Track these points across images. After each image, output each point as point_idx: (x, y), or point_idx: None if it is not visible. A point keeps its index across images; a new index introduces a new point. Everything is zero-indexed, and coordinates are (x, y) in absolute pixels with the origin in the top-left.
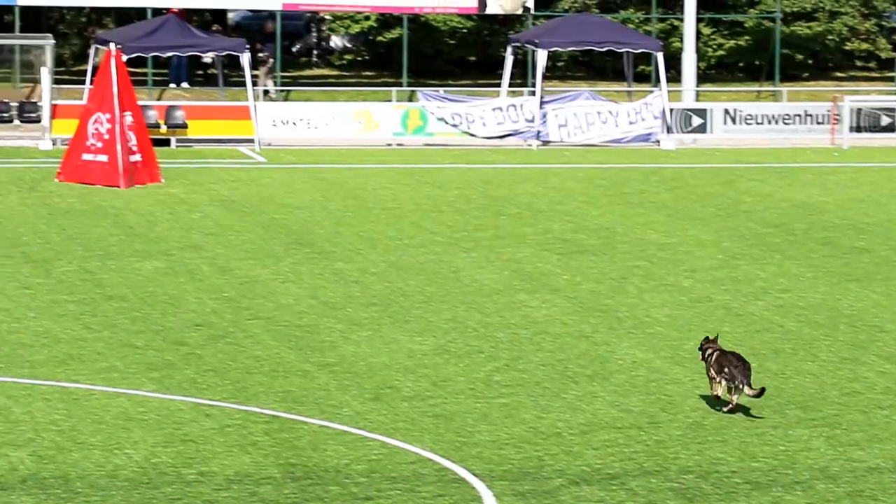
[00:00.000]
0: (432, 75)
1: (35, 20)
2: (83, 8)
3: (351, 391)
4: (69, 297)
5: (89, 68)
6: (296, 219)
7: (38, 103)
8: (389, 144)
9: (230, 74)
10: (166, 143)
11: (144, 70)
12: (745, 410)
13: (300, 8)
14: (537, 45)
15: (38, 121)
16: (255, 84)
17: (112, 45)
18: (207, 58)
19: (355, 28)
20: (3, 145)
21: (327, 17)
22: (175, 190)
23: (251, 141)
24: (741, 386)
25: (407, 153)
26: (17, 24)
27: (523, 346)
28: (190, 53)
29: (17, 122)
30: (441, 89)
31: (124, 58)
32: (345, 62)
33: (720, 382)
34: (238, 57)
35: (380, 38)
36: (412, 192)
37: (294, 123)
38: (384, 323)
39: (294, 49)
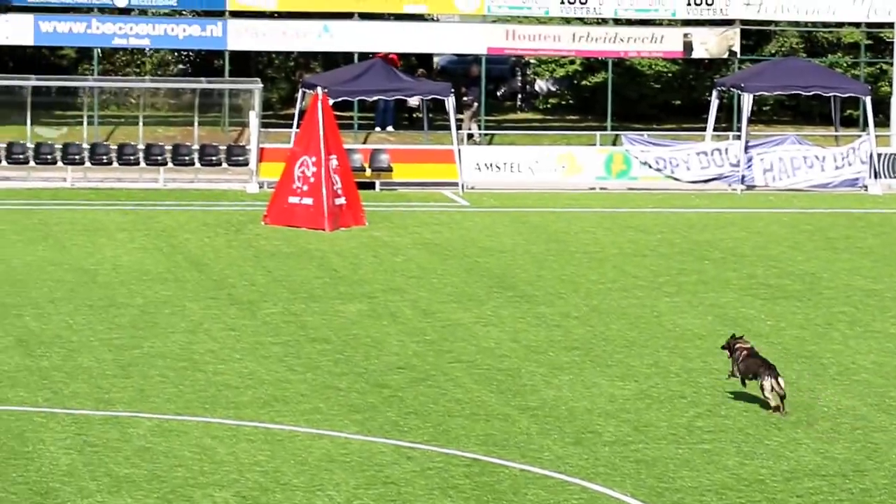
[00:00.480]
0: (636, 119)
1: (244, 65)
2: (291, 53)
3: (552, 435)
4: (274, 338)
5: (296, 112)
6: (498, 262)
7: (246, 147)
8: (593, 188)
9: (435, 118)
10: (371, 186)
11: (350, 114)
12: None
13: (505, 52)
14: (743, 88)
15: (245, 164)
16: (459, 128)
17: (319, 89)
18: (413, 101)
19: (560, 72)
20: (211, 188)
21: (532, 61)
22: (379, 233)
23: (455, 184)
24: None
25: (610, 197)
26: (227, 68)
27: (726, 392)
28: (396, 97)
29: (225, 165)
30: (645, 133)
31: (331, 101)
32: (549, 106)
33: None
34: (443, 101)
35: (584, 82)
36: (615, 236)
37: (497, 167)
38: (586, 367)
39: (498, 93)
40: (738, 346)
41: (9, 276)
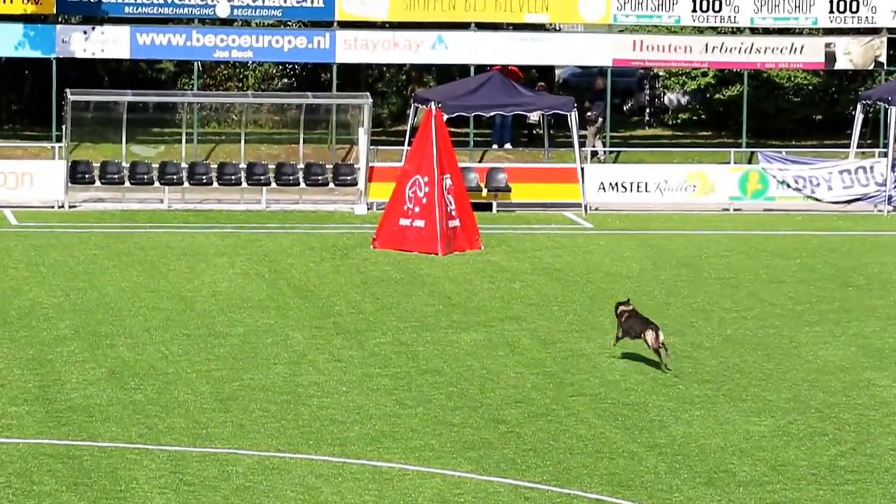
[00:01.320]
0: (774, 135)
1: (353, 78)
2: (403, 65)
3: (682, 475)
4: (382, 370)
5: (408, 128)
6: (624, 289)
7: (355, 165)
8: (726, 209)
9: (556, 135)
10: (487, 207)
11: (466, 130)
12: None
13: (632, 64)
14: (890, 102)
15: (353, 184)
16: (582, 145)
17: (432, 104)
18: (533, 117)
19: (691, 85)
20: (316, 210)
21: (661, 73)
22: (496, 257)
23: (577, 205)
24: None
25: (745, 219)
26: (335, 82)
27: (871, 429)
28: (514, 112)
29: (331, 185)
30: (783, 150)
31: (445, 117)
32: (679, 121)
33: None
34: (565, 116)
35: (717, 96)
36: (750, 260)
37: (623, 187)
38: (718, 401)
39: (625, 107)
40: (621, 309)
41: (102, 304)
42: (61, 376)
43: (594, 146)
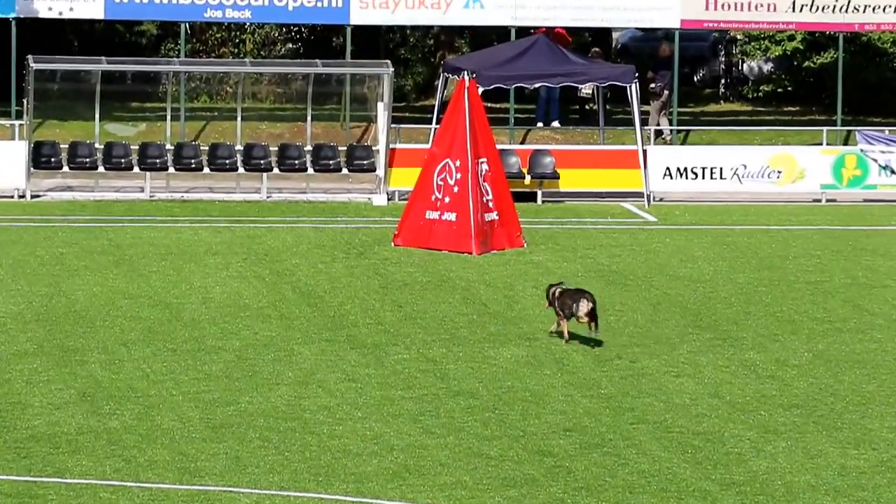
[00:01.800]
0: (876, 111)
1: (370, 43)
2: (430, 28)
3: None
4: (406, 392)
5: (437, 103)
6: (694, 295)
7: (373, 148)
8: (817, 200)
9: (613, 111)
10: (531, 197)
11: (505, 105)
12: None
13: (704, 25)
14: None
15: (371, 169)
16: (644, 123)
17: (465, 75)
18: (585, 90)
19: (775, 51)
20: (327, 200)
21: (739, 36)
22: (540, 257)
23: (639, 195)
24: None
25: (840, 211)
26: (349, 48)
27: None
28: (563, 84)
29: (345, 170)
30: (886, 129)
31: (480, 90)
32: (760, 94)
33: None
34: (624, 88)
35: (807, 64)
36: (846, 261)
37: (694, 173)
38: (808, 430)
39: (696, 78)
40: (552, 290)
41: (71, 313)
42: (22, 399)
43: (658, 124)
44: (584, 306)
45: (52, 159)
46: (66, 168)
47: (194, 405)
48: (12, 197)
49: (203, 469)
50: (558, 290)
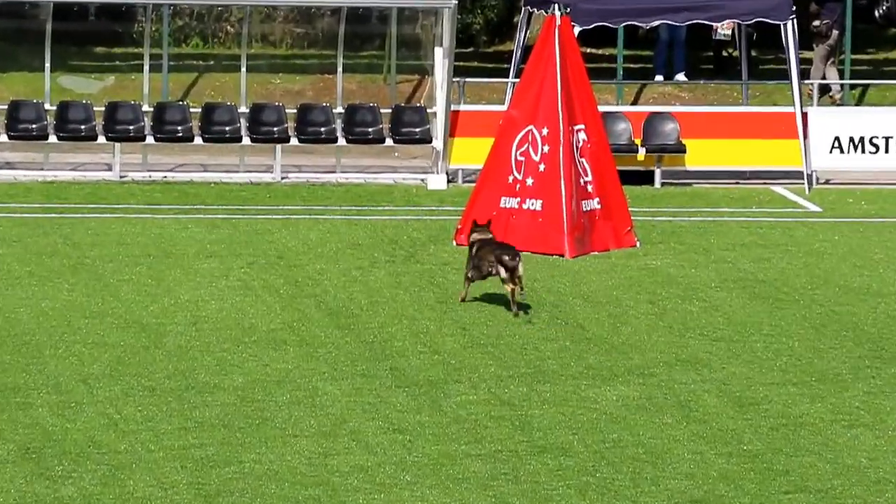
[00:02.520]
0: None
1: None
2: None
3: None
4: (472, 447)
5: (516, 49)
6: (873, 314)
7: (428, 110)
8: None
9: (762, 59)
10: (647, 178)
11: (611, 51)
12: None
13: None
14: None
15: (425, 140)
16: (805, 76)
17: (557, 9)
18: (723, 30)
19: None
20: (365, 182)
21: None
22: (659, 261)
23: (797, 176)
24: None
25: None
26: None
27: None
28: (690, 22)
29: (389, 141)
30: None
31: (577, 30)
32: None
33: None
34: (776, 28)
35: None
36: None
37: (874, 144)
38: None
39: (877, 13)
40: (475, 237)
41: (11, 337)
42: None
43: (825, 77)
44: (505, 264)
45: None
46: (2, 137)
47: (180, 465)
48: None
49: None
50: (479, 242)
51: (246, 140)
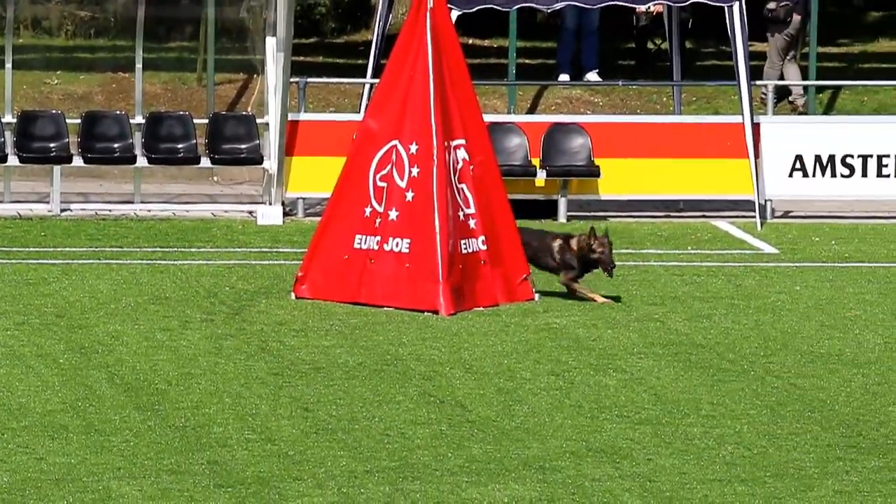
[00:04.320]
0: None
1: None
2: None
3: None
4: None
5: (375, 39)
6: (846, 388)
7: (258, 120)
8: None
9: (699, 52)
10: (549, 209)
11: (501, 43)
12: None
13: None
14: None
15: (253, 160)
16: (757, 76)
17: None
18: (644, 11)
19: None
20: (174, 215)
21: None
22: (565, 320)
23: (746, 205)
24: None
25: None
26: None
27: None
28: (605, 4)
29: (205, 161)
30: None
31: (454, 14)
32: None
33: None
34: (719, 12)
35: None
36: None
37: (847, 165)
38: None
39: None
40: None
41: None
42: None
43: (783, 76)
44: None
45: None
46: None
47: None
48: None
49: None
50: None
51: (12, 160)
